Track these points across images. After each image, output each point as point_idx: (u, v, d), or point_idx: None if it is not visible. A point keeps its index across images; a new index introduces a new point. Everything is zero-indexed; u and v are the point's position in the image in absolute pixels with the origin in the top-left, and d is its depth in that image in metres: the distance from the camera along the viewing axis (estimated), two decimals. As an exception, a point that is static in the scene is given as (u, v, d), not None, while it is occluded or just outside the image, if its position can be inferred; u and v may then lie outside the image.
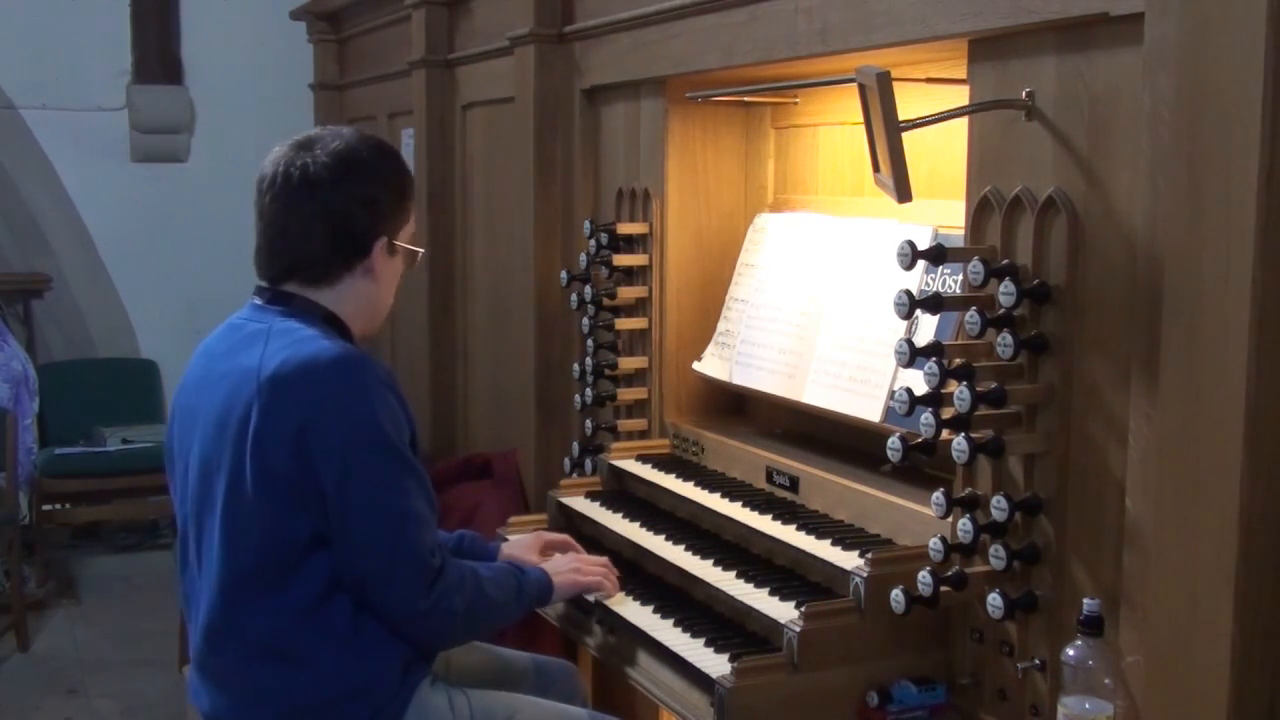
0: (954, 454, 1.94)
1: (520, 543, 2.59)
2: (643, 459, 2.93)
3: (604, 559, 2.51)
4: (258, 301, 2.21)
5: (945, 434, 1.93)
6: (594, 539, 2.75)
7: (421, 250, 2.37)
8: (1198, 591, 1.63)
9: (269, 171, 2.16)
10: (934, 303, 1.97)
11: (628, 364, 3.07)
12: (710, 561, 2.42)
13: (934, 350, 1.93)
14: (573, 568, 2.43)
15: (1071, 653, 1.78)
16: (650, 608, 2.38)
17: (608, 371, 3.07)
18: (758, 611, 2.20)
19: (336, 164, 2.14)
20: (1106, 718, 1.76)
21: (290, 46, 6.06)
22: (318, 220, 2.15)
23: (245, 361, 2.08)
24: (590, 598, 2.46)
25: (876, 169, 2.00)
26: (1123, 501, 1.78)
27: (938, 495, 2.00)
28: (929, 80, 2.23)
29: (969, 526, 1.97)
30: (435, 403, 4.29)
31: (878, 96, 1.88)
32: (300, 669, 2.06)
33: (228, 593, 2.07)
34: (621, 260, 3.04)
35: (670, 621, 2.31)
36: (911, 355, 1.95)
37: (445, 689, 2.22)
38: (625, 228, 3.05)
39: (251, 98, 6.45)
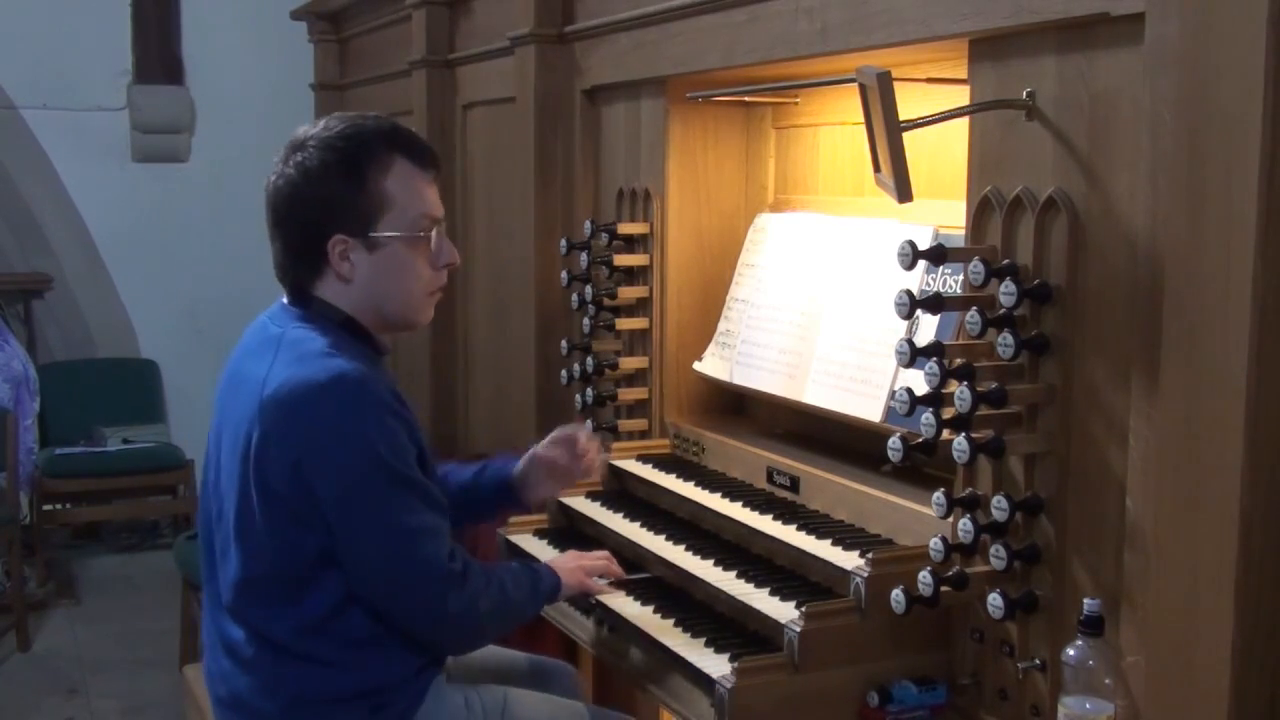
0: (954, 454, 1.94)
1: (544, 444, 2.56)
2: (643, 459, 2.93)
3: (604, 553, 2.52)
4: (284, 299, 2.19)
5: (946, 434, 1.93)
6: (595, 539, 2.75)
7: (426, 232, 2.15)
8: (1198, 591, 1.63)
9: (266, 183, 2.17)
10: (934, 303, 1.97)
11: (628, 364, 3.07)
12: (711, 561, 2.42)
13: (934, 350, 1.93)
14: (577, 564, 2.43)
15: (1072, 653, 1.78)
16: (650, 607, 2.38)
17: (608, 371, 3.07)
18: (758, 611, 2.20)
19: (291, 176, 2.10)
20: (1107, 718, 1.76)
21: (290, 46, 6.06)
22: (277, 235, 2.15)
23: (256, 370, 2.07)
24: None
25: (877, 169, 2.00)
26: (1123, 501, 1.78)
27: (938, 495, 2.00)
28: (929, 80, 2.23)
29: (969, 526, 1.97)
30: (435, 403, 4.29)
31: (878, 96, 1.88)
32: (314, 665, 2.08)
33: (244, 597, 2.09)
34: (622, 260, 3.04)
35: (670, 621, 2.31)
36: (912, 355, 1.95)
37: (461, 688, 2.24)
38: (626, 228, 3.05)
39: (252, 98, 6.45)
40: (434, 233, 2.16)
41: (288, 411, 2.00)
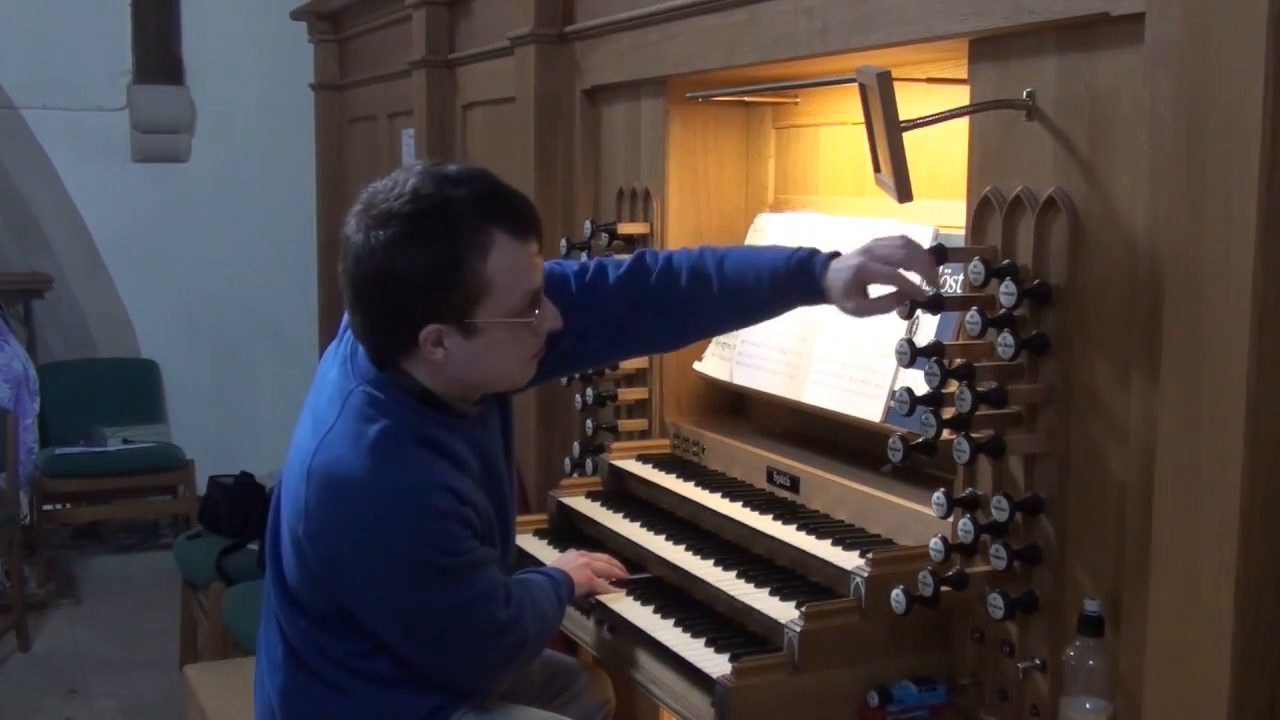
0: (954, 454, 1.94)
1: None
2: (643, 459, 2.93)
3: (605, 556, 2.52)
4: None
5: (946, 434, 1.93)
6: (595, 539, 2.75)
7: (529, 314, 1.96)
8: (1198, 591, 1.63)
9: (341, 235, 1.95)
10: (935, 303, 1.97)
11: (628, 364, 3.07)
12: (711, 561, 2.42)
13: (935, 350, 1.93)
14: (584, 562, 2.44)
15: (1072, 653, 1.79)
16: (650, 607, 2.38)
17: (608, 371, 3.07)
18: (758, 611, 2.20)
19: (375, 253, 1.88)
20: (1107, 718, 1.76)
21: (290, 46, 6.07)
22: (358, 309, 1.95)
23: (324, 415, 1.96)
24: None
25: (877, 169, 2.00)
26: (1123, 501, 1.78)
27: (938, 495, 2.00)
28: (929, 80, 2.23)
29: (969, 526, 1.97)
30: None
31: (878, 96, 1.89)
32: (334, 691, 2.04)
33: (284, 603, 2.05)
34: (622, 260, 3.04)
35: (670, 621, 2.31)
36: (912, 355, 1.95)
37: (476, 715, 2.17)
38: (626, 228, 3.05)
39: (252, 98, 6.46)
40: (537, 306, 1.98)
41: (323, 499, 1.91)
